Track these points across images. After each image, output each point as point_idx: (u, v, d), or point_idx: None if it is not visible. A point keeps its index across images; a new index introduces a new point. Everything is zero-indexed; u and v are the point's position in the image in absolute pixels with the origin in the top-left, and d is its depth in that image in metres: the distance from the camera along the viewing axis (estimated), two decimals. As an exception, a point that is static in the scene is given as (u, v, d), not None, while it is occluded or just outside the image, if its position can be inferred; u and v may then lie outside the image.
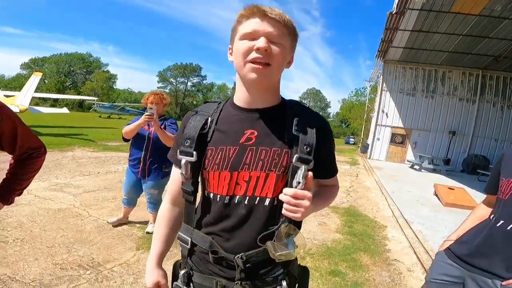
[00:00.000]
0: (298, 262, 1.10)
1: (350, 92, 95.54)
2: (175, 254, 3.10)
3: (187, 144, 0.96)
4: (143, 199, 3.85)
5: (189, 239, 1.00)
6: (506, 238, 1.28)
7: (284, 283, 0.97)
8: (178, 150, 0.98)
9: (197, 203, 1.04)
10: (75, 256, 2.95)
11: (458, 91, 16.16)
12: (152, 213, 3.72)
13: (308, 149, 0.91)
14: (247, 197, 0.94)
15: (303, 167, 0.88)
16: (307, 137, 0.92)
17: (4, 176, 1.43)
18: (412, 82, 16.75)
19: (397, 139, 17.01)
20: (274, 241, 0.88)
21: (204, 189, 1.01)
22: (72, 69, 70.10)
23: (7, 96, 15.23)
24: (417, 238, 4.40)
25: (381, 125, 17.25)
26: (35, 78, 14.30)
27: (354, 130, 50.90)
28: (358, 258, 3.63)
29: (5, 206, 1.40)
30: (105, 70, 72.45)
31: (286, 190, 0.86)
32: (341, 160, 15.29)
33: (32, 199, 4.38)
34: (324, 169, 1.05)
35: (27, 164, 1.44)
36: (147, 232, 3.64)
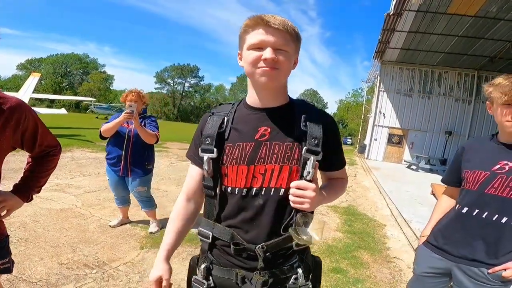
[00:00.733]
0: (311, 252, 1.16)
1: (348, 93, 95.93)
2: (179, 253, 3.14)
3: (208, 142, 1.03)
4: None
5: (211, 233, 1.06)
6: (483, 226, 1.38)
7: (300, 270, 1.04)
8: (200, 148, 1.04)
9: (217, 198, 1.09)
10: (80, 256, 2.98)
11: (454, 91, 16.31)
12: (148, 210, 3.75)
13: (316, 142, 0.99)
14: (264, 189, 1.00)
15: (312, 158, 0.96)
16: (314, 131, 1.01)
17: (22, 174, 1.46)
18: (409, 83, 16.88)
19: (394, 140, 17.13)
20: (295, 226, 0.94)
21: (221, 184, 1.06)
22: (68, 69, 69.84)
23: (5, 97, 15.15)
24: (416, 236, 4.46)
25: (378, 125, 17.36)
26: (34, 79, 14.27)
27: (352, 131, 51.06)
28: (358, 255, 3.68)
29: (25, 203, 1.43)
30: (102, 70, 72.23)
31: (292, 182, 0.95)
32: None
33: (34, 199, 4.32)
34: (331, 161, 1.12)
35: (44, 162, 1.48)
36: (151, 232, 3.67)
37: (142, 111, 3.56)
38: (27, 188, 1.43)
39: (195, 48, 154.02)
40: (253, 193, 1.01)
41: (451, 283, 1.51)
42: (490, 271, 1.33)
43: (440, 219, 1.60)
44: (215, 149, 1.01)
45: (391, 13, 10.36)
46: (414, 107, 16.74)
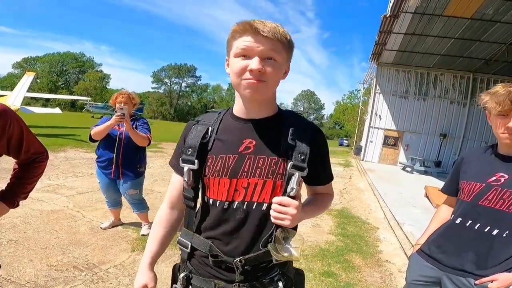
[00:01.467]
0: (294, 265, 1.14)
1: (344, 95, 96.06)
2: (170, 255, 3.13)
3: (189, 153, 1.01)
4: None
5: (189, 243, 1.04)
6: (475, 237, 1.37)
7: (280, 284, 1.02)
8: (180, 158, 1.02)
9: (196, 209, 1.08)
10: (69, 258, 2.96)
11: (450, 94, 16.37)
12: (139, 213, 3.72)
13: (302, 157, 0.96)
14: (245, 203, 0.98)
15: (297, 174, 0.94)
16: (302, 146, 0.97)
17: (9, 181, 1.46)
18: (404, 84, 16.93)
19: (389, 141, 17.18)
20: (274, 243, 0.92)
21: (203, 195, 1.05)
22: (64, 68, 69.56)
23: (-1, 96, 15.07)
24: (408, 239, 4.48)
25: (374, 127, 17.41)
26: (28, 78, 14.16)
27: (348, 132, 51.23)
28: (350, 259, 3.69)
29: (11, 209, 1.43)
30: (98, 70, 71.92)
31: (274, 198, 0.92)
32: (334, 162, 15.38)
33: (25, 200, 4.32)
34: (317, 175, 1.09)
35: (31, 168, 1.47)
36: (142, 235, 3.65)
37: (139, 110, 3.54)
38: (13, 194, 1.43)
39: (192, 48, 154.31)
40: (235, 207, 0.99)
41: None
42: (477, 282, 1.33)
43: (438, 229, 1.60)
44: (196, 161, 0.99)
45: (388, 15, 10.39)
46: (409, 109, 16.80)
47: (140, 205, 3.67)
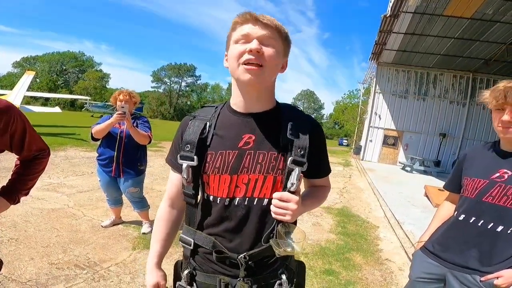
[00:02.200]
0: (295, 258, 1.15)
1: (344, 94, 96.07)
2: (170, 253, 3.13)
3: (188, 149, 0.99)
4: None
5: (192, 240, 1.04)
6: (479, 234, 1.38)
7: (284, 276, 1.03)
8: (178, 155, 1.01)
9: (197, 206, 1.07)
10: (70, 256, 2.96)
11: (449, 93, 16.38)
12: (140, 211, 3.72)
13: (302, 152, 0.96)
14: (247, 199, 0.98)
15: (297, 169, 0.94)
16: (301, 140, 0.97)
17: (10, 177, 1.46)
18: (404, 84, 16.93)
19: (389, 141, 17.19)
20: (276, 238, 0.92)
21: (203, 192, 1.04)
22: (64, 68, 69.35)
23: (-1, 95, 15.05)
24: (408, 238, 4.49)
25: (373, 127, 17.41)
26: (28, 77, 14.14)
27: (348, 132, 51.20)
28: (351, 257, 3.69)
29: (11, 206, 1.43)
30: (98, 69, 71.78)
31: (275, 193, 0.92)
32: (334, 161, 15.39)
33: (25, 199, 4.29)
34: (316, 169, 1.10)
35: (32, 165, 1.47)
36: (143, 233, 3.65)
37: (138, 109, 3.54)
38: (14, 190, 1.42)
39: (192, 47, 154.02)
40: (236, 203, 0.98)
41: None
42: (482, 279, 1.33)
43: (440, 225, 1.60)
44: (195, 157, 0.97)
45: (388, 15, 10.39)
46: (409, 109, 16.81)
47: (141, 203, 3.68)
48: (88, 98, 36.18)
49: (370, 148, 17.51)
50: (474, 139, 15.98)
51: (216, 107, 1.08)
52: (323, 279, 3.09)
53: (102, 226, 3.73)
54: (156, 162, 9.01)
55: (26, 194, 1.49)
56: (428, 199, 7.38)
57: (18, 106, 12.79)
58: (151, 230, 3.66)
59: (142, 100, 60.55)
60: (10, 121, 1.27)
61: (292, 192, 0.92)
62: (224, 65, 1.01)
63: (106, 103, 42.38)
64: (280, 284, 1.02)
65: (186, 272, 1.05)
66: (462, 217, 1.45)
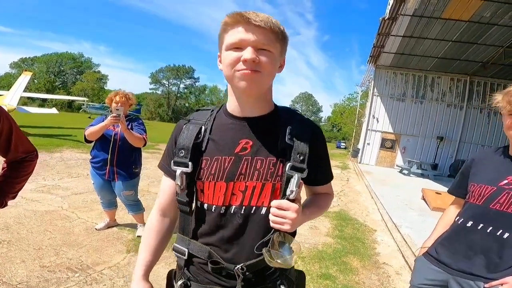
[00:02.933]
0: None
1: (343, 97, 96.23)
2: (166, 257, 3.09)
3: (182, 155, 0.95)
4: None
5: (186, 250, 0.99)
6: (486, 240, 1.35)
7: (282, 287, 0.98)
8: (172, 161, 0.96)
9: (192, 214, 1.03)
10: (63, 259, 2.91)
11: (447, 97, 16.42)
12: (135, 214, 3.67)
13: (301, 158, 0.92)
14: (243, 207, 0.93)
15: (296, 176, 0.89)
16: (300, 145, 0.93)
17: None
18: (402, 87, 16.95)
19: (386, 144, 17.20)
20: (269, 248, 0.88)
21: (197, 200, 0.99)
22: (62, 69, 69.25)
23: (-5, 95, 14.96)
24: (405, 241, 4.46)
25: (371, 130, 17.42)
26: (25, 78, 14.09)
27: (345, 135, 51.31)
28: (348, 261, 3.66)
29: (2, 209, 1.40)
30: (96, 70, 71.66)
31: (273, 201, 0.88)
32: (332, 164, 15.19)
33: (19, 200, 4.29)
34: (317, 175, 1.05)
35: (20, 167, 1.44)
36: (138, 236, 3.60)
37: (136, 111, 3.50)
38: (1, 194, 1.39)
39: (190, 48, 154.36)
40: (232, 211, 0.94)
41: None
42: (486, 285, 1.30)
43: (446, 232, 1.56)
44: (190, 163, 0.93)
45: (386, 18, 10.42)
46: (407, 112, 16.82)
47: (136, 206, 3.63)
48: (85, 99, 36.05)
49: (367, 151, 17.51)
50: (471, 143, 16.03)
51: (212, 111, 1.04)
52: (320, 283, 3.05)
53: (96, 229, 3.68)
54: (152, 164, 8.95)
55: (14, 197, 1.45)
56: (426, 202, 7.36)
57: (15, 107, 12.73)
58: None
59: (140, 101, 60.59)
60: None
61: (292, 200, 0.88)
62: (218, 67, 0.96)
63: (104, 104, 42.29)
64: None
65: (180, 283, 1.01)
66: (470, 223, 1.41)
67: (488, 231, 1.34)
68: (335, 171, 12.90)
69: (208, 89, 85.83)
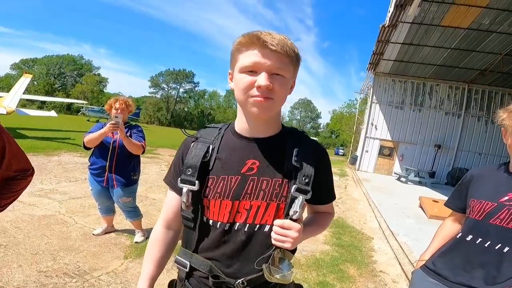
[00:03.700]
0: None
1: (342, 104, 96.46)
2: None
3: (189, 173, 0.96)
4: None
5: (188, 263, 1.00)
6: (485, 254, 1.36)
7: None
8: (179, 178, 0.98)
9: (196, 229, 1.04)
10: (60, 264, 2.91)
11: (445, 104, 16.50)
12: (132, 220, 3.67)
13: (307, 180, 0.94)
14: (247, 225, 0.96)
15: (300, 197, 0.91)
16: (306, 168, 0.95)
17: None
18: (401, 95, 17.04)
19: (385, 152, 17.24)
20: (269, 264, 0.90)
21: (203, 216, 1.01)
22: (62, 71, 69.23)
23: (-5, 97, 14.95)
24: (402, 249, 4.47)
25: (370, 137, 17.48)
26: (25, 80, 14.08)
27: (344, 142, 51.41)
28: (345, 269, 3.66)
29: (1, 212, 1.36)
30: (96, 73, 71.72)
31: (276, 221, 0.90)
32: (330, 170, 15.35)
33: (16, 204, 4.28)
34: (321, 195, 1.07)
35: (11, 184, 1.38)
36: (136, 242, 3.61)
37: (135, 115, 3.50)
38: None
39: (190, 52, 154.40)
40: (236, 228, 0.96)
41: None
42: None
43: (445, 245, 1.58)
44: (197, 182, 0.94)
45: (386, 25, 10.51)
46: (405, 120, 16.90)
47: (133, 213, 3.63)
48: (84, 102, 36.05)
49: (366, 158, 17.55)
50: (469, 151, 16.09)
51: (220, 129, 1.05)
52: (316, 291, 3.06)
53: (93, 234, 3.67)
54: (151, 170, 8.96)
55: (1, 211, 1.40)
56: (423, 210, 7.39)
57: (14, 109, 12.71)
58: (144, 239, 3.66)
59: (140, 105, 60.52)
60: None
61: (294, 220, 0.91)
62: (229, 85, 0.98)
63: (103, 108, 42.28)
64: None
65: None
66: (469, 237, 1.43)
67: (487, 245, 1.35)
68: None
69: (207, 93, 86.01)
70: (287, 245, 0.88)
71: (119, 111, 3.25)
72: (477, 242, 1.39)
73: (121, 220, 4.07)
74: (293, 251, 0.99)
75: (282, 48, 0.85)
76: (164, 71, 79.28)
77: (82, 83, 66.90)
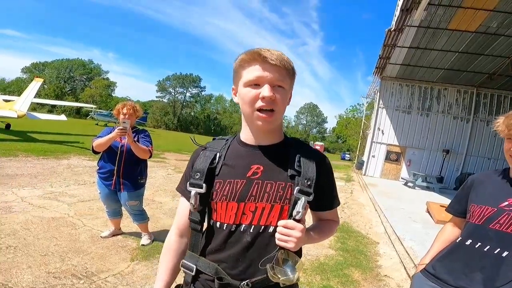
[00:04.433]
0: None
1: (347, 109, 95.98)
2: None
3: (197, 177, 1.03)
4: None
5: (194, 266, 1.04)
6: (484, 258, 1.37)
7: None
8: (188, 183, 1.04)
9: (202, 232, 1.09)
10: (68, 265, 2.97)
11: (453, 109, 16.30)
12: (139, 223, 3.73)
13: (309, 183, 0.99)
14: (253, 226, 1.00)
15: (303, 198, 0.96)
16: (308, 171, 1.01)
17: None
18: (408, 99, 16.89)
19: (391, 157, 17.08)
20: (273, 264, 0.93)
21: (210, 218, 1.06)
22: (72, 75, 70.20)
23: (6, 101, 15.25)
24: (408, 254, 4.44)
25: (376, 142, 17.35)
26: (36, 84, 14.35)
27: (350, 146, 51.10)
28: (349, 273, 3.66)
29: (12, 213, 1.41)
30: (105, 77, 72.58)
31: (280, 221, 0.95)
32: (336, 176, 15.25)
33: (26, 206, 4.39)
34: (323, 201, 1.12)
35: None
36: (142, 245, 3.66)
37: (143, 119, 3.57)
38: None
39: (197, 57, 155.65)
40: (242, 229, 1.00)
41: None
42: None
43: (444, 249, 1.59)
44: (204, 184, 1.01)
45: (392, 29, 10.45)
46: (412, 124, 16.74)
47: (140, 216, 3.69)
48: (93, 107, 36.52)
49: (372, 163, 17.41)
50: (478, 156, 15.87)
51: (227, 140, 1.13)
52: (320, 295, 3.06)
53: (101, 237, 3.74)
54: (158, 174, 9.05)
55: None
56: (430, 215, 7.32)
57: (25, 113, 12.94)
58: (151, 242, 3.70)
59: (147, 109, 61.00)
60: None
61: (297, 221, 0.94)
62: (234, 100, 1.07)
63: (111, 111, 42.75)
64: None
65: None
66: (469, 242, 1.44)
67: (486, 249, 1.37)
68: (339, 183, 12.86)
69: (214, 98, 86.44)
70: (290, 245, 0.92)
71: (126, 116, 3.33)
72: (477, 246, 1.40)
73: (128, 223, 4.13)
74: (299, 254, 1.02)
75: (280, 62, 0.94)
76: (171, 76, 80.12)
77: (91, 87, 67.75)
